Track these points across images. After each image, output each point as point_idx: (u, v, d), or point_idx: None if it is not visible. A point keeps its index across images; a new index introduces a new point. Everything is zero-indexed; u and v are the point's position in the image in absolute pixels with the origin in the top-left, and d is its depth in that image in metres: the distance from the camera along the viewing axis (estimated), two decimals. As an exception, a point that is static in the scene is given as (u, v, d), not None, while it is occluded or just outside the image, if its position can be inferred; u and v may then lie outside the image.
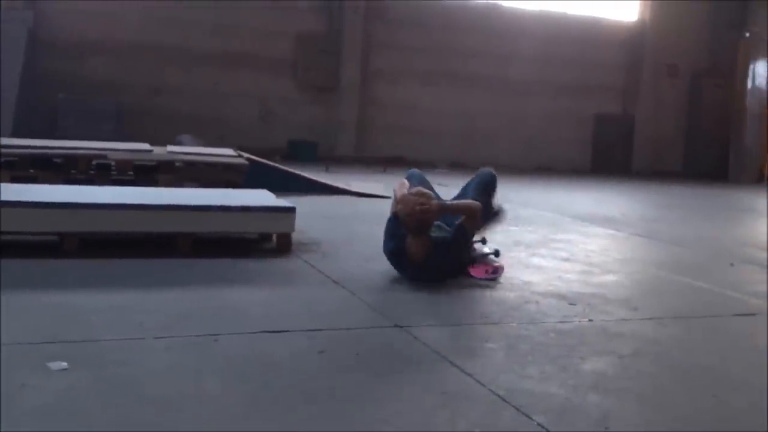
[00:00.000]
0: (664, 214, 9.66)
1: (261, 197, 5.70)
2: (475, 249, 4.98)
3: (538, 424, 2.54)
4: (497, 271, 4.74)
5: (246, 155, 8.44)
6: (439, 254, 4.48)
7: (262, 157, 8.92)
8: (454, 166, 14.45)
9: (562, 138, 16.46)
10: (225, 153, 8.66)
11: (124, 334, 3.21)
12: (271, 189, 6.05)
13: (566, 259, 5.59)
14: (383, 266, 4.70)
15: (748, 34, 16.42)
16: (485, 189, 5.44)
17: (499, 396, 2.78)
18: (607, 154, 17.00)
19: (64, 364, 2.78)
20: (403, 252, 4.53)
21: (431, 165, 14.00)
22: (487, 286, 4.53)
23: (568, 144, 16.60)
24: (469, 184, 5.51)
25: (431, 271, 4.49)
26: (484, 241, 5.22)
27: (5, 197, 4.78)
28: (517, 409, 2.66)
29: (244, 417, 2.47)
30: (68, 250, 4.65)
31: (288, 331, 3.42)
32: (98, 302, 3.69)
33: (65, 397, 2.52)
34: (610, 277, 5.09)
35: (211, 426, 2.38)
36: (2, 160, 7.06)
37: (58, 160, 7.37)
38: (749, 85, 16.42)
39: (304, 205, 5.86)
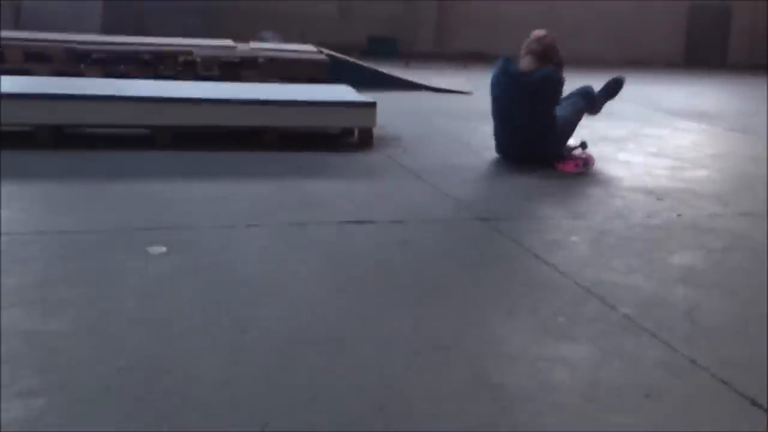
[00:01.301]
0: (760, 108, 9.20)
1: (343, 92, 5.71)
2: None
3: (624, 315, 2.55)
4: (587, 162, 4.66)
5: (327, 51, 8.40)
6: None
7: (342, 54, 8.86)
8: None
9: (653, 30, 15.67)
10: (306, 49, 8.63)
11: (218, 221, 3.34)
12: (352, 85, 6.04)
13: (655, 154, 5.44)
14: (466, 160, 4.68)
15: None
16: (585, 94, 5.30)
17: (583, 287, 2.79)
18: (702, 46, 16.13)
19: (163, 249, 2.93)
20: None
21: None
22: (573, 180, 4.47)
23: (661, 36, 15.80)
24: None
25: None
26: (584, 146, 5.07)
27: (98, 92, 4.94)
28: (602, 300, 2.67)
29: (331, 300, 2.56)
30: (160, 143, 4.80)
31: (372, 221, 3.48)
32: (191, 192, 3.82)
33: (164, 279, 2.66)
34: (701, 172, 4.95)
35: (300, 306, 2.48)
36: (93, 56, 7.24)
37: (146, 57, 7.50)
38: None
39: (385, 100, 5.84)
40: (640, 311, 2.59)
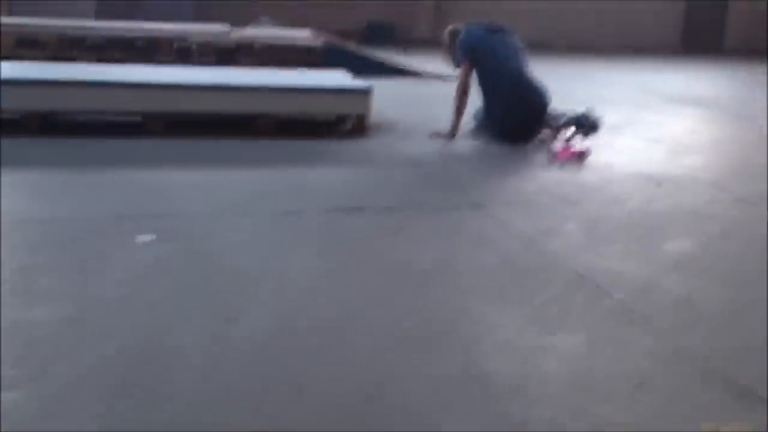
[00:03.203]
0: (756, 94, 9.14)
1: (338, 79, 5.65)
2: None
3: (618, 300, 2.52)
4: (583, 154, 4.61)
5: (323, 37, 8.33)
6: None
7: (340, 39, 8.79)
8: (537, 46, 13.94)
9: (650, 14, 15.58)
10: (303, 35, 8.56)
11: (209, 209, 3.30)
12: (350, 71, 5.98)
13: (652, 140, 5.39)
14: (461, 147, 4.64)
15: None
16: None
17: (577, 273, 2.75)
18: (699, 31, 16.05)
19: (152, 237, 2.89)
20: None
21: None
22: (570, 167, 4.43)
23: (658, 21, 15.70)
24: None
25: None
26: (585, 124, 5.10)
27: (90, 77, 4.88)
28: (597, 286, 2.63)
29: (322, 288, 2.53)
30: (152, 131, 4.74)
31: (366, 208, 3.44)
32: (183, 179, 3.78)
33: (151, 268, 2.62)
34: (698, 158, 4.90)
35: (290, 295, 2.44)
36: (87, 42, 7.17)
37: (140, 43, 7.44)
38: None
39: (381, 87, 5.78)
40: (635, 296, 2.56)
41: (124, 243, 2.83)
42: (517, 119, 5.02)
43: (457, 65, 5.30)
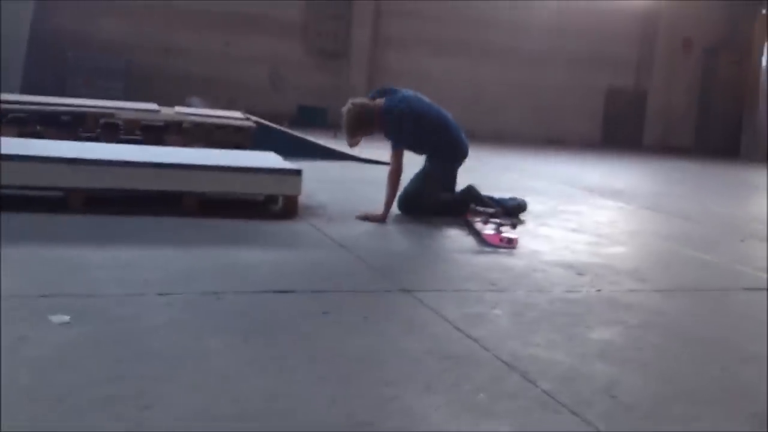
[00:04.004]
0: (674, 188, 9.58)
1: (268, 159, 5.65)
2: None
3: (543, 391, 2.51)
4: (512, 242, 4.68)
5: (254, 118, 8.37)
6: None
7: (271, 122, 8.84)
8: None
9: (573, 110, 16.31)
10: (233, 115, 8.58)
11: (127, 289, 3.18)
12: (279, 153, 5.99)
13: (575, 230, 5.54)
14: (391, 230, 4.66)
15: (765, 10, 16.14)
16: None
17: (504, 362, 2.74)
18: (618, 127, 16.85)
19: (66, 318, 2.76)
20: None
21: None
22: (496, 252, 4.49)
23: (579, 116, 16.44)
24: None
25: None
26: (500, 213, 5.20)
27: (10, 151, 4.74)
28: (523, 375, 2.63)
29: (244, 375, 2.44)
30: (73, 206, 4.61)
31: (293, 291, 3.39)
32: (102, 258, 3.66)
33: (65, 350, 2.49)
34: (618, 249, 5.04)
35: (210, 381, 2.35)
36: (9, 116, 7.00)
37: (65, 118, 7.30)
38: (764, 62, 16.19)
39: (312, 169, 5.81)
40: (560, 386, 2.55)
41: (38, 323, 2.69)
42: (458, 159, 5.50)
43: (398, 144, 5.25)
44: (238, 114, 8.73)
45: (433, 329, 3.07)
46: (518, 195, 6.79)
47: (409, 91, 5.52)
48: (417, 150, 5.57)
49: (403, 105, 5.32)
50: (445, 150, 5.53)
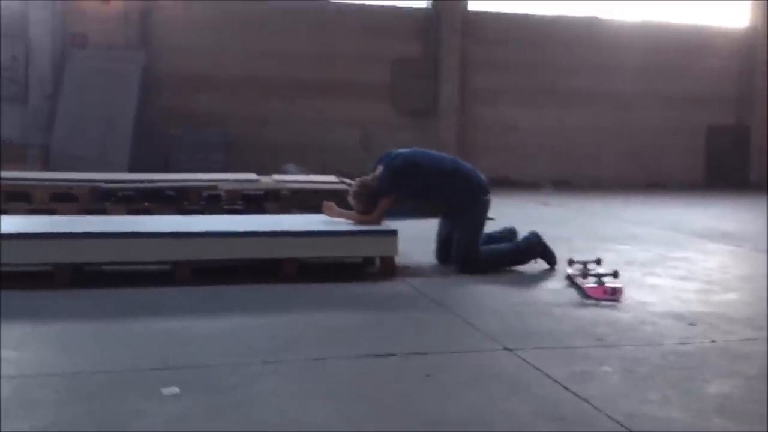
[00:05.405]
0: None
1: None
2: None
3: (662, 452, 2.39)
4: (616, 292, 4.54)
5: (348, 181, 8.52)
6: None
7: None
8: (558, 184, 14.17)
9: (671, 151, 15.82)
10: (328, 179, 8.77)
11: (234, 358, 3.25)
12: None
13: (683, 278, 5.32)
14: (490, 289, 4.60)
15: None
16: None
17: (617, 421, 2.63)
18: (722, 166, 16.22)
19: (176, 389, 2.83)
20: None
21: (535, 185, 13.78)
22: (601, 307, 4.36)
23: (679, 157, 15.93)
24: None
25: None
26: (599, 262, 5.08)
27: (119, 229, 4.98)
28: (638, 436, 2.51)
29: (352, 443, 2.43)
30: (180, 279, 4.77)
31: (394, 354, 3.38)
32: (209, 328, 3.76)
33: (177, 422, 2.55)
34: (731, 296, 4.81)
35: (320, 452, 2.35)
36: (119, 194, 7.38)
37: (170, 193, 7.64)
38: None
39: (407, 228, 5.83)
40: (680, 447, 2.43)
41: (149, 396, 2.77)
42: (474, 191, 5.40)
43: (390, 190, 5.27)
44: (332, 178, 8.93)
45: (540, 389, 2.99)
46: (621, 243, 6.63)
47: (406, 149, 5.51)
48: (428, 196, 5.52)
49: (397, 160, 5.38)
50: (461, 186, 5.42)
